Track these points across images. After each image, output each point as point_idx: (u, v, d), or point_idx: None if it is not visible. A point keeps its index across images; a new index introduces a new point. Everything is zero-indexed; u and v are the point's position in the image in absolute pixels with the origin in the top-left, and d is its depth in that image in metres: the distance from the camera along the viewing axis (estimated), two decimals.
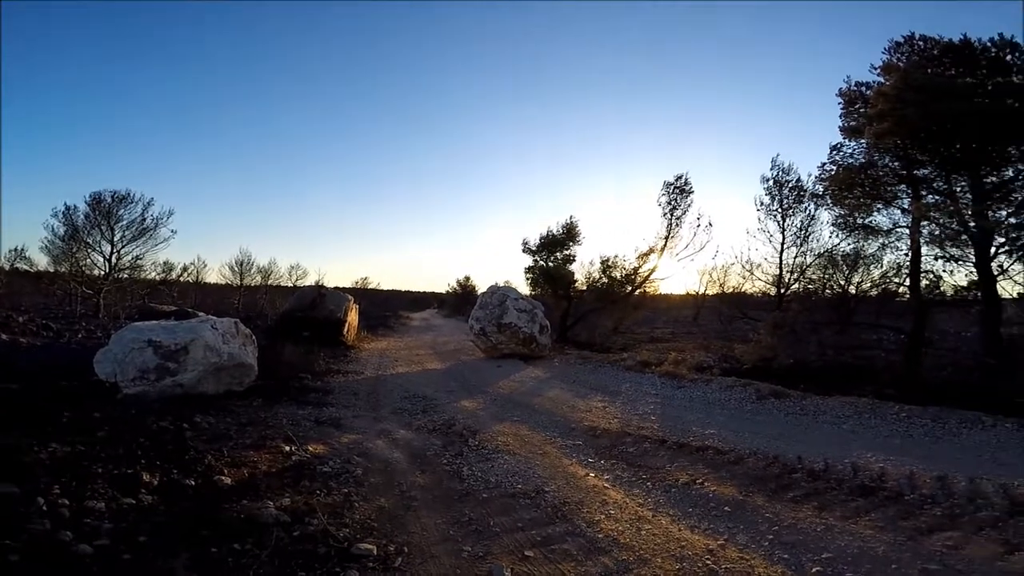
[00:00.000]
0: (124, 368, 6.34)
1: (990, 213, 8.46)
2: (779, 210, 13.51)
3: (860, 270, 10.69)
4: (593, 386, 9.46)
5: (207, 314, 8.85)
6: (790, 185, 13.51)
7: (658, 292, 17.90)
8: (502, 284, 14.57)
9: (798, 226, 13.16)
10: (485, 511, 3.99)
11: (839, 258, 11.38)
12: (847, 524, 3.72)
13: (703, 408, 7.63)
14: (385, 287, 47.14)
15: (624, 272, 16.26)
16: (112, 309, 18.12)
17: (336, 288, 21.96)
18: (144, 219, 18.70)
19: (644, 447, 5.74)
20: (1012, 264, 8.47)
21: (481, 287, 14.87)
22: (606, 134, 66.41)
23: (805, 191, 12.99)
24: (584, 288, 16.80)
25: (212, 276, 28.31)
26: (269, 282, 29.76)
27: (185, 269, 25.65)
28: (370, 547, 3.23)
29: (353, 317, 15.83)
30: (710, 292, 15.66)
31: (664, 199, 15.62)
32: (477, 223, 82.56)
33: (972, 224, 8.37)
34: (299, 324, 13.74)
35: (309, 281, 28.74)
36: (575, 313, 16.79)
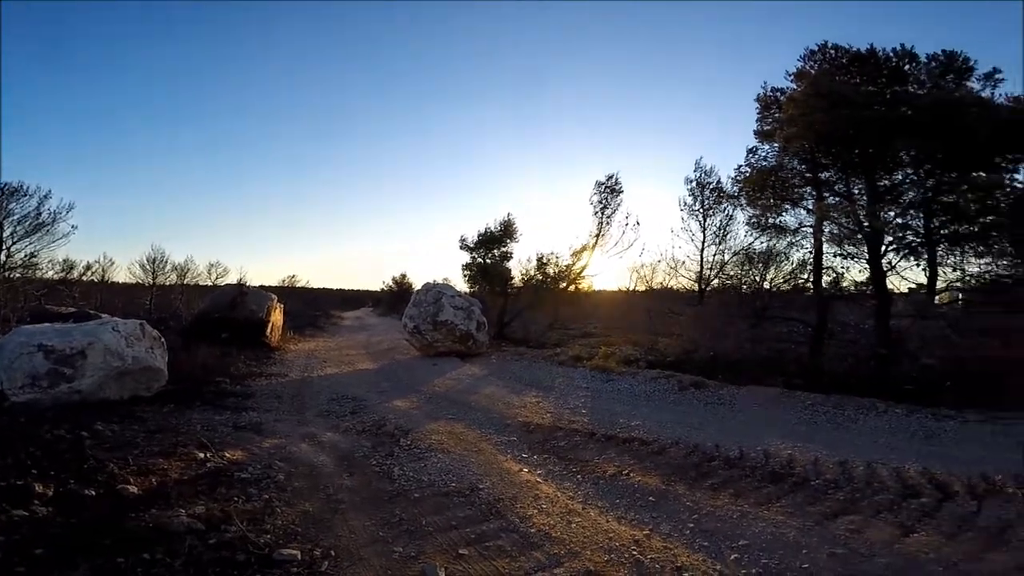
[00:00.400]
0: (11, 375, 5.82)
1: (881, 214, 9.27)
2: (701, 210, 14.17)
3: (773, 267, 11.43)
4: (528, 382, 9.55)
5: (112, 315, 8.13)
6: (711, 186, 14.12)
7: (592, 289, 18.40)
8: (440, 281, 14.41)
9: (718, 225, 13.85)
10: (417, 511, 3.92)
11: (755, 256, 12.12)
12: (761, 510, 3.93)
13: (630, 400, 7.92)
14: (316, 285, 45.15)
15: (559, 269, 16.58)
16: (1, 312, 16.16)
17: (261, 287, 20.84)
18: (40, 213, 16.78)
19: (575, 440, 5.87)
20: (899, 261, 9.33)
21: (418, 285, 14.63)
22: (544, 134, 67.10)
23: (725, 192, 13.73)
24: (521, 285, 16.96)
25: (121, 275, 25.93)
26: (186, 281, 27.70)
27: (89, 267, 23.30)
28: (294, 552, 3.10)
29: (277, 317, 15.07)
30: (640, 288, 16.24)
31: (596, 198, 16.06)
32: (415, 220, 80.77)
33: (866, 224, 9.11)
34: (217, 325, 12.91)
35: (230, 280, 27.04)
36: (512, 310, 16.89)
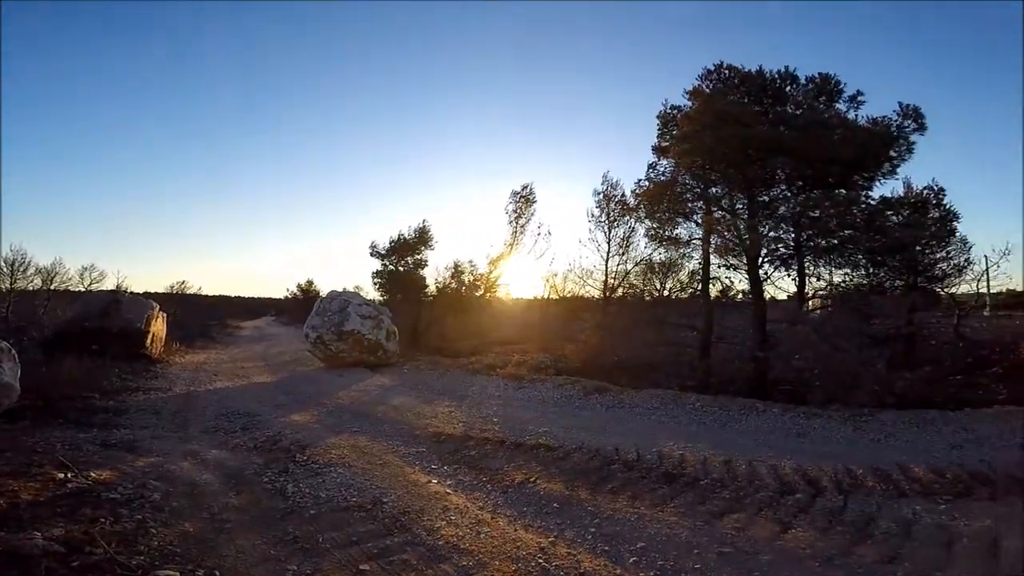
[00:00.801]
0: None
1: (759, 228, 9.93)
2: (606, 221, 14.88)
3: (670, 277, 12.22)
4: (440, 391, 9.43)
5: None
6: (616, 199, 14.65)
7: (509, 297, 18.63)
8: (350, 289, 13.86)
9: (622, 236, 14.52)
10: (313, 528, 3.70)
11: (655, 266, 12.90)
12: (656, 512, 4.10)
13: (539, 407, 8.05)
14: (210, 292, 41.43)
15: (475, 277, 16.61)
16: None
17: (145, 294, 18.82)
18: None
19: (486, 449, 5.85)
20: (773, 271, 10.19)
21: (326, 292, 14.00)
22: (462, 142, 66.96)
23: (628, 205, 14.46)
24: (436, 293, 16.77)
25: None
26: (53, 286, 24.24)
27: None
28: (172, 573, 2.87)
29: (160, 327, 13.72)
30: (553, 296, 16.71)
31: (511, 207, 16.35)
32: (323, 227, 76.78)
33: (745, 237, 9.83)
34: (87, 335, 11.48)
35: (108, 285, 24.11)
36: (427, 318, 16.64)
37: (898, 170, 10.12)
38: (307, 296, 33.05)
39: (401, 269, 16.80)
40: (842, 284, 10.19)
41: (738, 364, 9.94)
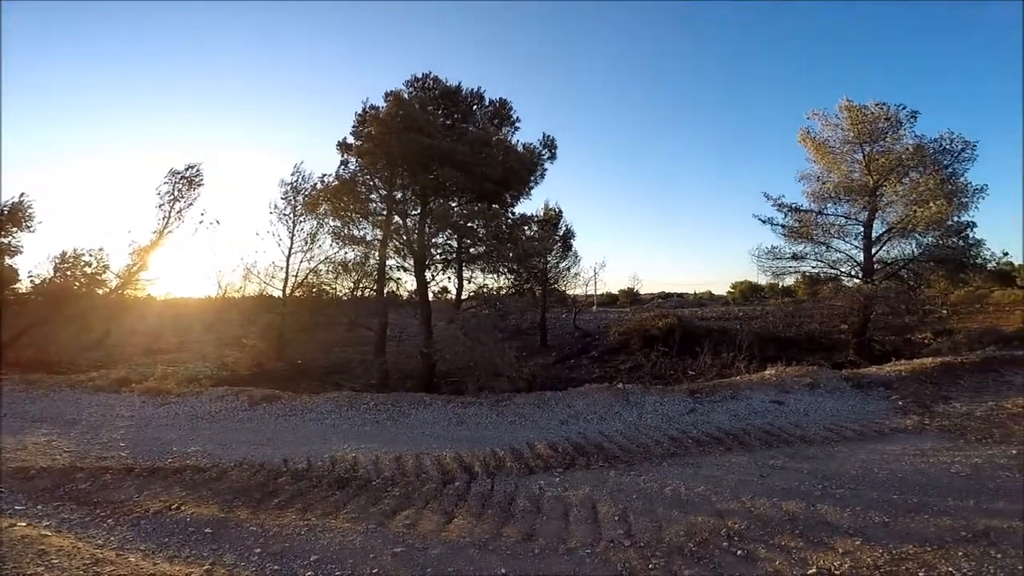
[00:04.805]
0: None
1: (427, 232, 10.55)
2: (292, 216, 13.88)
3: (354, 276, 11.90)
4: (36, 418, 7.17)
5: None
6: (306, 192, 13.75)
7: (168, 296, 15.41)
8: None
9: (307, 232, 13.74)
10: None
11: (340, 265, 12.44)
12: (328, 521, 3.96)
13: (189, 424, 6.96)
14: None
15: (98, 269, 12.92)
16: None
17: None
18: None
19: (104, 480, 4.75)
20: (437, 274, 11.10)
21: None
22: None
23: (316, 200, 13.58)
24: (31, 291, 12.41)
25: None
26: None
27: None
28: None
29: None
30: (225, 296, 14.47)
31: (166, 188, 13.45)
32: None
33: (415, 241, 10.41)
34: None
35: None
36: (19, 324, 12.16)
37: (532, 191, 11.96)
38: None
39: None
40: (486, 286, 11.66)
41: (407, 360, 10.51)
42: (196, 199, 13.73)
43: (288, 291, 12.95)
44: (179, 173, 13.65)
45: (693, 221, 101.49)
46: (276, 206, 13.87)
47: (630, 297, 46.14)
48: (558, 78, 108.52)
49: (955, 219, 12.37)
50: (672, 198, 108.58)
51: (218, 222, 13.85)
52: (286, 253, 13.49)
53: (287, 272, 13.18)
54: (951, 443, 5.29)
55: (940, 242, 12.78)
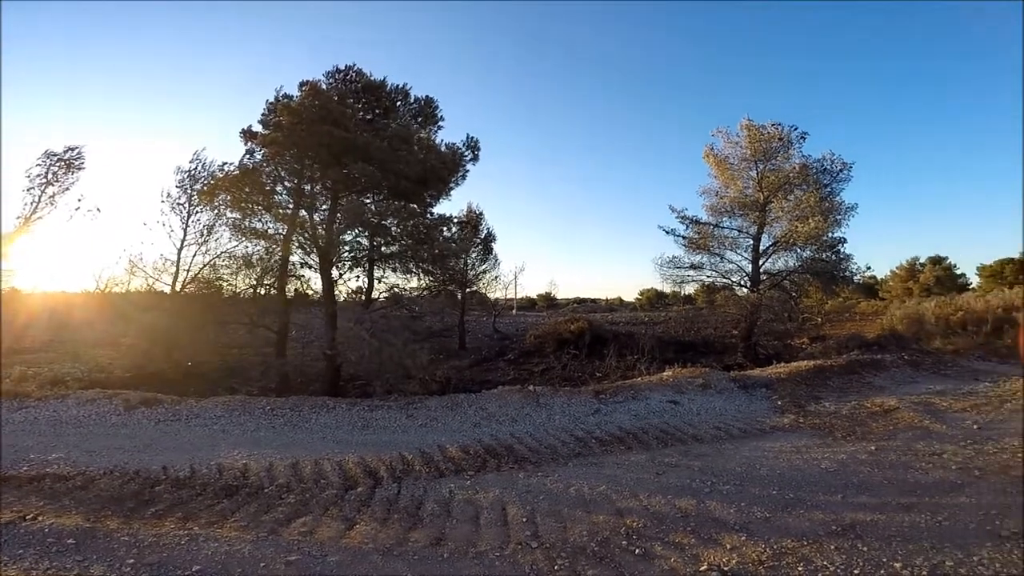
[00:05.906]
0: None
1: (335, 228, 10.02)
2: (187, 206, 12.66)
3: (254, 271, 11.01)
4: None
5: None
6: (204, 181, 12.41)
7: (36, 291, 13.48)
8: None
9: (203, 223, 12.48)
10: None
11: (241, 259, 11.53)
12: (213, 530, 3.66)
13: (50, 429, 6.20)
14: None
15: None
16: None
17: None
18: None
19: None
20: (344, 273, 10.65)
21: None
22: None
23: (213, 189, 12.50)
24: None
25: None
26: None
27: None
28: None
29: None
30: (107, 290, 12.85)
31: (39, 170, 11.73)
32: None
33: (322, 237, 9.96)
34: None
35: None
36: None
37: (452, 192, 11.81)
38: None
39: None
40: (397, 286, 11.26)
41: (311, 363, 9.98)
42: (73, 183, 12.09)
43: (180, 286, 11.79)
44: (56, 155, 11.96)
45: (607, 229, 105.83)
46: (169, 195, 12.59)
47: (548, 302, 47.39)
48: (483, 82, 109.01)
49: (829, 235, 13.74)
50: (588, 207, 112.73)
51: (98, 209, 12.33)
52: (178, 245, 12.28)
53: (178, 266, 11.98)
54: (821, 440, 5.75)
55: (816, 256, 14.18)
